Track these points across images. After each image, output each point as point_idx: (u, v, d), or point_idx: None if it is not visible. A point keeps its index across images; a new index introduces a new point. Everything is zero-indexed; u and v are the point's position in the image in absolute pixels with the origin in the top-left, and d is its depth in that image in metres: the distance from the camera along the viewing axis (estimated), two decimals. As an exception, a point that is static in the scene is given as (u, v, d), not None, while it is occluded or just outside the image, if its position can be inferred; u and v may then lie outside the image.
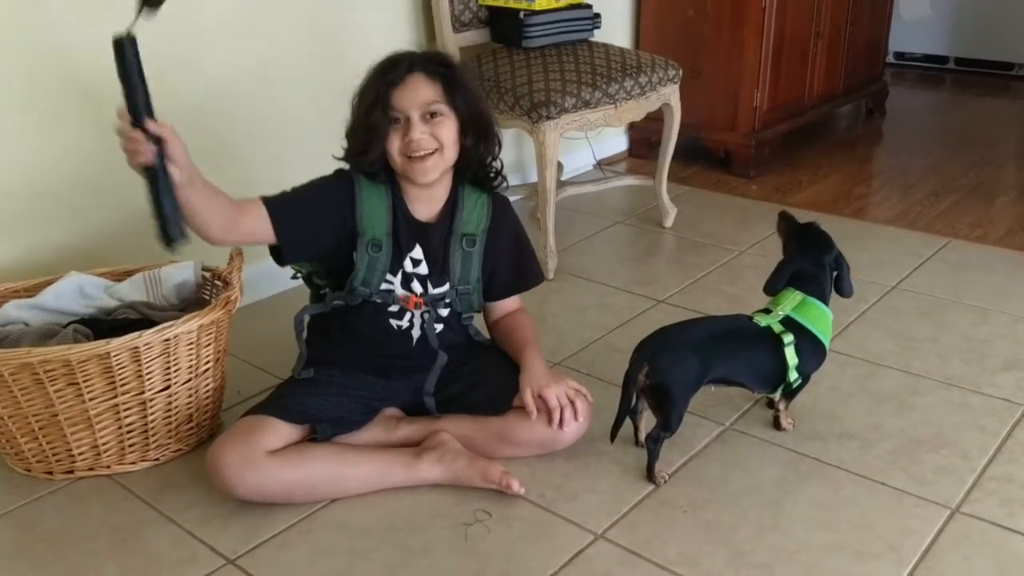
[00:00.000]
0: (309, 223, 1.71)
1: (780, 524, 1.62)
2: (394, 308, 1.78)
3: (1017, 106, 4.61)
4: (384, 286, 1.76)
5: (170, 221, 1.46)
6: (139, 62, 1.39)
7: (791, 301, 1.82)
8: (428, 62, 1.71)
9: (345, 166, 1.78)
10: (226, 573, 1.54)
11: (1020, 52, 4.89)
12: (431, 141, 1.68)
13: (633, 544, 1.58)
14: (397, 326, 1.79)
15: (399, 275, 1.76)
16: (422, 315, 1.79)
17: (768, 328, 1.79)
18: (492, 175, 1.83)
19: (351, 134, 1.75)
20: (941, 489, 1.70)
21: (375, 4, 2.66)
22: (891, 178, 3.46)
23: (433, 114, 1.68)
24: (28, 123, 2.01)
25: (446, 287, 1.80)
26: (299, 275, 1.89)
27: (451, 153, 1.72)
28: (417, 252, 1.77)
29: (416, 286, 1.78)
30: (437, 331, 1.82)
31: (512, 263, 1.90)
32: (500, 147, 1.81)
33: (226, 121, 2.35)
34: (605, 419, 1.80)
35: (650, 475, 1.73)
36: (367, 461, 1.71)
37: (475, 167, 1.79)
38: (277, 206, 1.68)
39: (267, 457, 1.63)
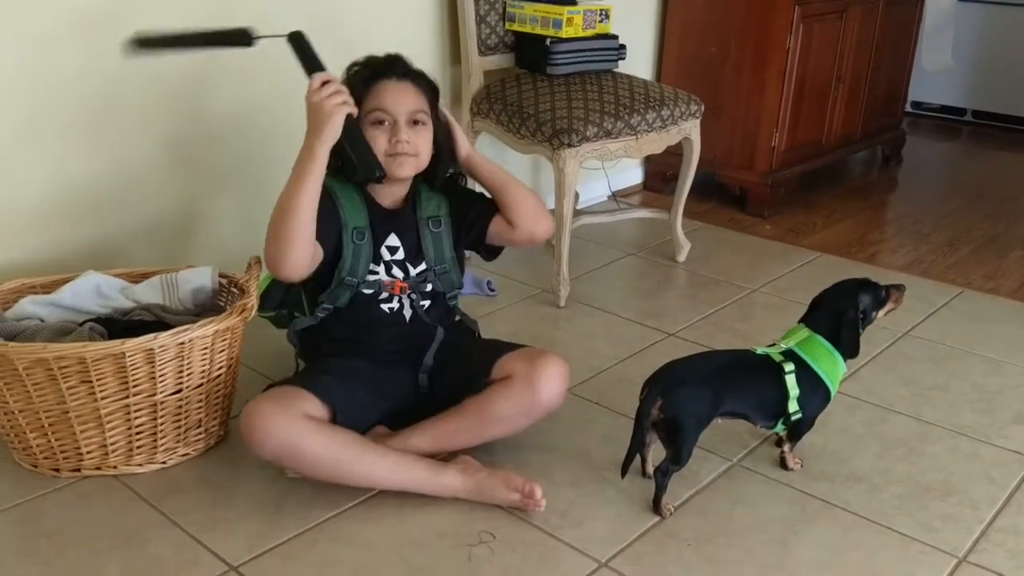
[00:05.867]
0: (332, 227, 1.79)
1: (785, 563, 1.61)
2: (383, 295, 1.84)
3: (1033, 161, 4.62)
4: (370, 276, 1.83)
5: (372, 155, 1.73)
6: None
7: (797, 336, 1.83)
8: (417, 75, 1.85)
9: None
10: (228, 580, 1.54)
11: (1038, 108, 4.91)
12: (413, 146, 1.80)
13: (637, 575, 1.58)
14: (389, 309, 1.85)
15: (381, 264, 1.84)
16: (409, 296, 1.86)
17: (768, 357, 1.79)
18: (450, 177, 1.95)
19: None
20: (948, 537, 1.69)
21: (401, 22, 2.68)
22: (905, 226, 3.46)
23: (416, 122, 1.80)
24: (55, 125, 2.03)
25: (423, 266, 1.87)
26: (266, 316, 1.98)
27: (425, 159, 1.84)
28: (392, 239, 1.86)
29: (397, 271, 1.85)
30: (426, 307, 1.88)
31: (475, 200, 1.97)
32: (456, 159, 1.92)
33: (248, 143, 2.37)
34: (611, 448, 1.80)
35: (656, 507, 1.73)
36: (391, 454, 1.72)
37: (440, 174, 1.91)
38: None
39: (304, 418, 1.64)
